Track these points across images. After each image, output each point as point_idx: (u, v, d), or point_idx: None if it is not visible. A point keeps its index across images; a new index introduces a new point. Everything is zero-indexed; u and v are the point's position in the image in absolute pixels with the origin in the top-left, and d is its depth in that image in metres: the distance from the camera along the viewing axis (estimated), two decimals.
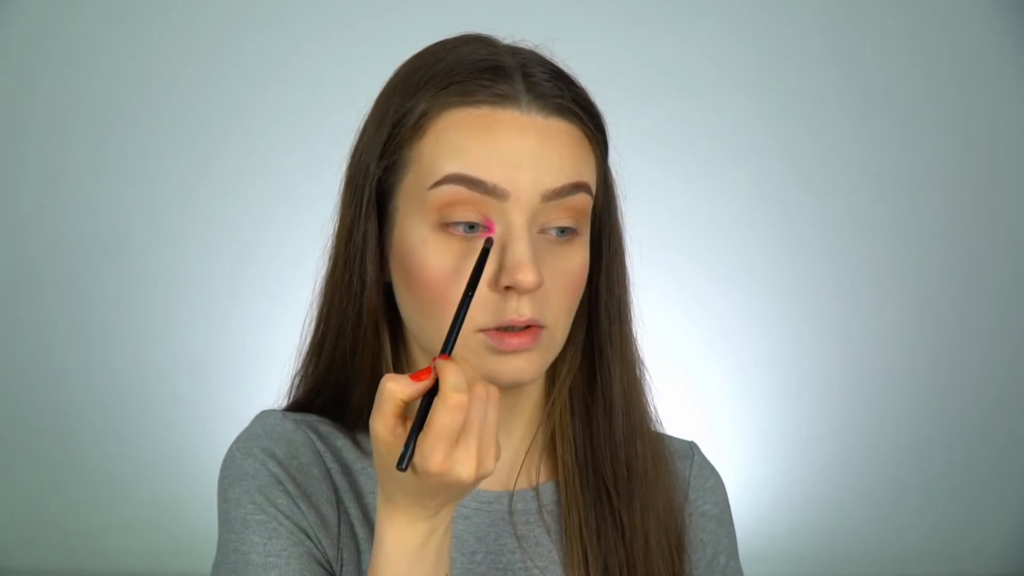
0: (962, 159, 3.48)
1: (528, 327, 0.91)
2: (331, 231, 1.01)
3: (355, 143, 0.99)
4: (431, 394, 0.82)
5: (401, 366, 1.01)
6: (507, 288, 0.90)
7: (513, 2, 3.39)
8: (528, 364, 0.92)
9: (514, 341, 0.91)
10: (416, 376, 0.83)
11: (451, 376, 0.81)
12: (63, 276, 3.47)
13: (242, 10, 3.47)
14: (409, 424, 0.82)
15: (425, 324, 0.94)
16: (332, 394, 1.03)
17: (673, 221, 3.38)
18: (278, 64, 3.44)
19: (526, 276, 0.88)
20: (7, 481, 3.46)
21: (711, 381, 3.43)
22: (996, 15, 3.42)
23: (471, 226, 0.90)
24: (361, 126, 0.99)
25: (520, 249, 0.89)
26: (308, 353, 1.04)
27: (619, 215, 1.01)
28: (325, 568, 0.97)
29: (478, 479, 0.83)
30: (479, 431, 0.82)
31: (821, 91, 3.47)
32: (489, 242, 0.89)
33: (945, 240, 3.48)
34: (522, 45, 0.98)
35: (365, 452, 1.01)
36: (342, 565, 0.98)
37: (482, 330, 0.91)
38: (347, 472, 1.00)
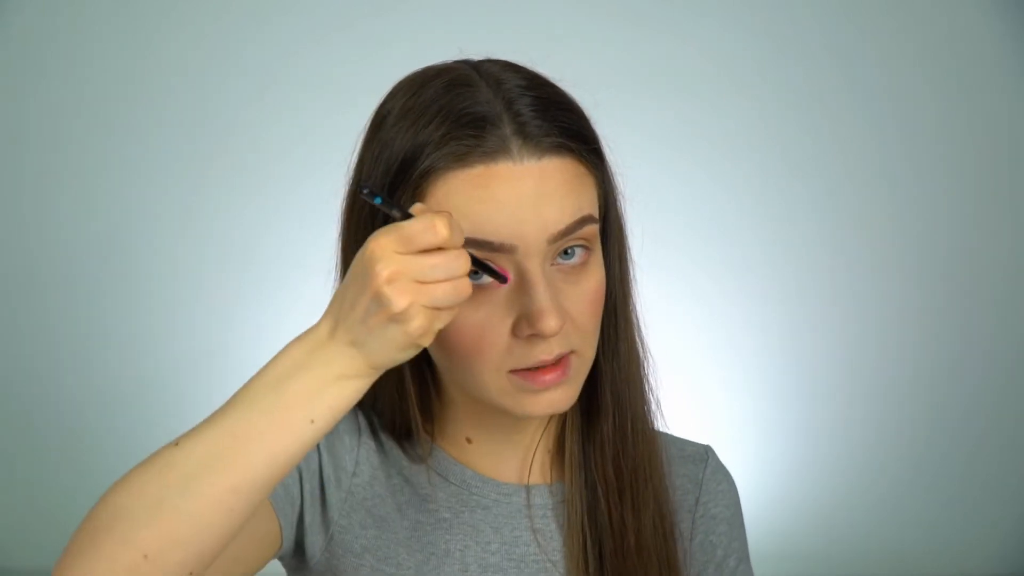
0: (963, 159, 3.48)
1: (559, 359, 0.92)
2: (336, 262, 0.99)
3: (353, 174, 0.97)
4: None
5: (429, 404, 1.02)
6: (531, 335, 0.90)
7: (513, 3, 3.39)
8: (563, 394, 0.93)
9: (547, 378, 0.91)
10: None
11: (449, 219, 0.77)
12: (63, 276, 3.47)
13: (242, 10, 3.47)
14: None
15: (460, 372, 0.94)
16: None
17: (673, 221, 3.38)
18: (278, 64, 3.44)
19: (548, 324, 0.88)
20: (7, 481, 3.46)
21: (711, 381, 3.43)
22: (996, 15, 3.42)
23: (475, 272, 0.88)
24: (356, 157, 0.97)
25: (538, 297, 0.89)
26: None
27: (620, 212, 1.00)
28: (299, 498, 0.98)
29: (389, 297, 0.76)
30: (430, 271, 0.77)
31: (821, 91, 3.47)
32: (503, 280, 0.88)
33: (947, 240, 3.48)
34: (496, 58, 0.96)
35: (408, 456, 1.03)
36: (331, 536, 0.99)
37: (513, 371, 0.92)
38: (382, 451, 1.03)
